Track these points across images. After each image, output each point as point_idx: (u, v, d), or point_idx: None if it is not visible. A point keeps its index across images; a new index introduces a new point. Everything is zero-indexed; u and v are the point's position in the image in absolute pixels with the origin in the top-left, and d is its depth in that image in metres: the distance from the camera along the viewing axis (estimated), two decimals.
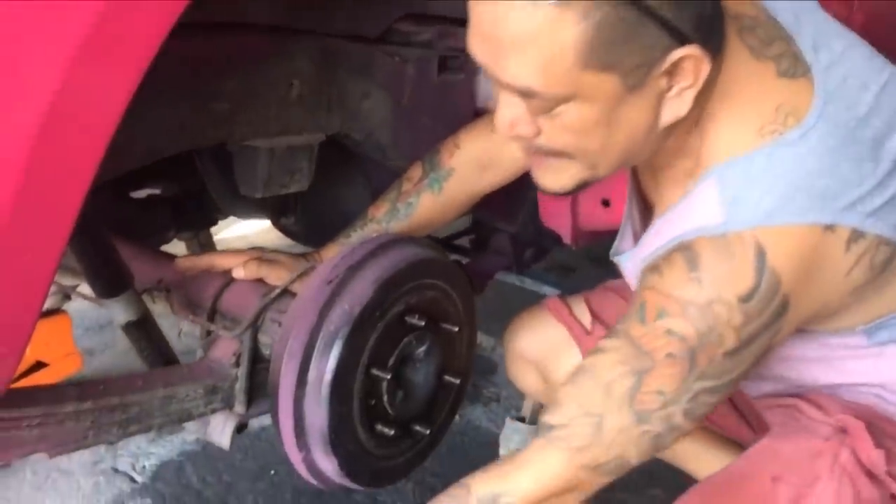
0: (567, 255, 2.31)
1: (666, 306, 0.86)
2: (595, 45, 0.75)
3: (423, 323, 1.09)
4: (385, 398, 1.08)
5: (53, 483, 1.74)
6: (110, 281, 1.20)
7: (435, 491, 1.07)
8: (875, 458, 0.95)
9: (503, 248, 1.73)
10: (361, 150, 1.38)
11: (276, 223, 1.83)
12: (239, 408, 1.19)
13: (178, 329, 1.34)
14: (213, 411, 1.19)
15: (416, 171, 1.25)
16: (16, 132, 0.65)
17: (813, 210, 0.82)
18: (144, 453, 1.84)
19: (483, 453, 1.82)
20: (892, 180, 0.86)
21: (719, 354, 0.86)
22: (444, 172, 1.23)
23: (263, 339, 1.18)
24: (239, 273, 1.20)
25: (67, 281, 1.38)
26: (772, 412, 1.12)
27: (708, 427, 1.36)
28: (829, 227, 0.83)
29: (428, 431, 1.15)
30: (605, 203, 1.49)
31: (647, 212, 1.05)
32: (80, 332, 2.00)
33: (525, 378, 1.47)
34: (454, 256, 1.64)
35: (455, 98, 1.46)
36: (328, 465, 1.06)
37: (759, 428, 1.21)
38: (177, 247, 1.95)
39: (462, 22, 1.42)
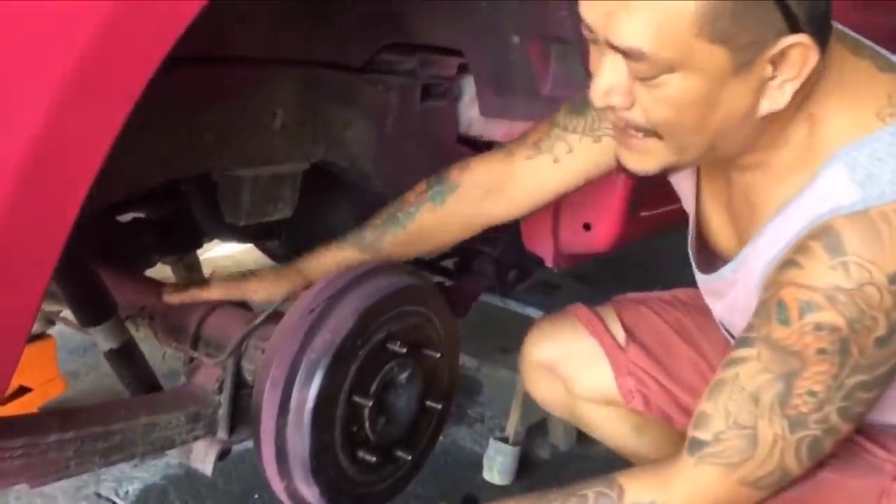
0: (551, 273, 2.33)
1: (811, 299, 0.83)
2: (713, 14, 0.75)
3: (404, 349, 1.10)
4: (367, 425, 1.09)
5: None
6: (93, 309, 1.21)
7: None
8: None
9: (486, 270, 1.74)
10: (346, 178, 1.40)
11: (260, 247, 1.84)
12: (222, 434, 1.19)
13: (161, 353, 1.35)
14: (196, 438, 1.19)
15: (422, 185, 1.25)
16: (3, 166, 0.66)
17: None
18: (128, 478, 1.83)
19: (467, 474, 1.82)
20: None
21: (871, 343, 0.83)
22: (448, 186, 1.23)
23: (246, 365, 1.19)
24: (211, 294, 1.22)
25: (51, 306, 1.38)
26: None
27: None
28: None
29: (410, 457, 1.16)
30: (587, 227, 1.51)
31: (738, 223, 1.02)
32: (64, 354, 1.99)
33: (544, 388, 1.39)
34: (438, 279, 1.66)
35: (438, 125, 1.47)
36: (310, 493, 1.07)
37: None
38: (162, 269, 1.96)
39: (443, 50, 1.46)
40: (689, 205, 1.13)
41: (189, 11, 0.70)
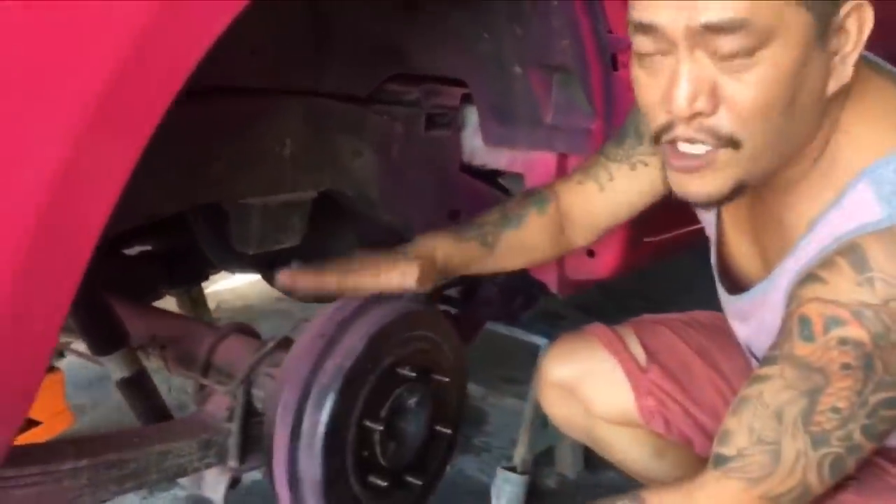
0: (555, 303, 2.34)
1: (836, 314, 0.84)
2: None
3: (414, 374, 1.11)
4: (378, 449, 1.10)
5: None
6: (106, 338, 1.22)
7: None
8: None
9: (492, 298, 1.76)
10: (353, 206, 1.42)
11: (266, 277, 1.86)
12: (232, 462, 1.20)
13: (167, 385, 1.35)
14: (208, 466, 1.20)
15: (517, 198, 1.25)
16: (24, 201, 0.68)
17: None
18: None
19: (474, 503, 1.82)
20: None
21: (895, 359, 0.83)
22: (546, 196, 1.23)
23: (257, 393, 1.20)
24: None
25: (61, 338, 1.40)
26: None
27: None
28: None
29: (421, 482, 1.16)
30: (591, 254, 1.52)
31: (764, 245, 1.02)
32: (71, 388, 1.99)
33: (562, 409, 1.36)
34: (443, 307, 1.67)
35: (442, 154, 1.50)
36: None
37: None
38: (167, 302, 1.97)
39: (447, 81, 1.49)
40: (710, 232, 1.14)
41: (207, 41, 0.72)
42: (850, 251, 0.85)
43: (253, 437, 1.20)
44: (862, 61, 0.87)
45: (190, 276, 1.87)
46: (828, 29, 0.81)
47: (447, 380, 1.17)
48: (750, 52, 0.79)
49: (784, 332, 0.89)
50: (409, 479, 1.16)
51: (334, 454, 1.05)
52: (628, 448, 1.30)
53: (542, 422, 1.83)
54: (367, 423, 1.07)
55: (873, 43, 0.89)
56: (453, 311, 1.73)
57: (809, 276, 0.88)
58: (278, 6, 0.93)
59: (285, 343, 1.20)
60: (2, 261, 0.66)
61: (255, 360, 1.18)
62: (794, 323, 0.87)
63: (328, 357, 1.05)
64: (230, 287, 3.03)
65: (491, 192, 1.62)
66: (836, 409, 0.85)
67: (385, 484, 1.10)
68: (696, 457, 1.26)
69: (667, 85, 0.83)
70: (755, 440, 0.89)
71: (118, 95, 0.70)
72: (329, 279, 1.09)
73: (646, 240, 1.55)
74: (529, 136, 1.46)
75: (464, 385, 1.25)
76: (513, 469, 1.77)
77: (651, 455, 1.29)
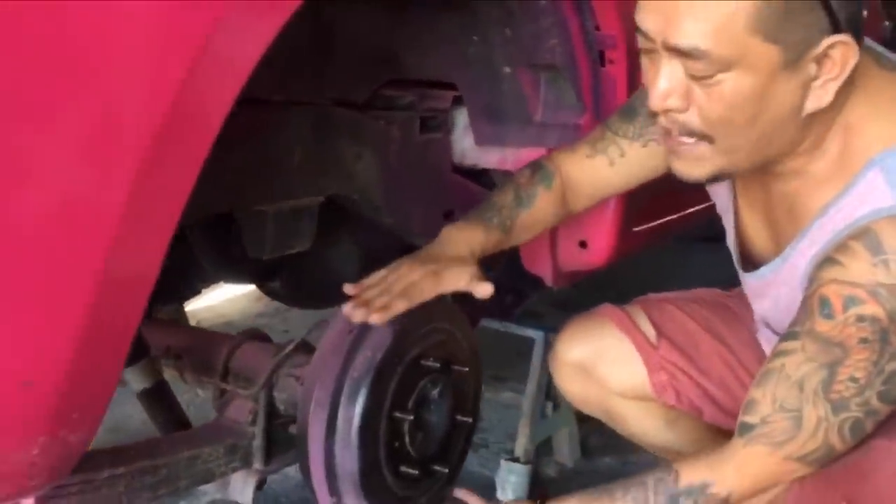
0: (534, 303, 2.39)
1: (854, 294, 0.91)
2: (766, 14, 0.83)
3: (437, 365, 1.14)
4: (407, 440, 1.13)
5: None
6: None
7: None
8: None
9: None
10: (356, 210, 1.45)
11: (261, 286, 1.87)
12: (258, 464, 1.22)
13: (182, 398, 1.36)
14: (234, 470, 1.22)
15: (524, 171, 1.28)
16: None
17: None
18: None
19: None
20: None
21: None
22: (550, 171, 1.26)
23: (278, 395, 1.22)
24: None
25: None
26: None
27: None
28: None
29: (447, 470, 1.20)
30: (583, 244, 1.58)
31: (776, 228, 1.08)
32: None
33: (577, 387, 1.40)
34: None
35: (435, 156, 1.54)
36: None
37: None
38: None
39: (438, 84, 1.53)
40: (727, 212, 1.20)
41: (257, 54, 0.75)
42: (865, 235, 0.91)
43: (277, 439, 1.23)
44: (867, 54, 0.94)
45: (182, 292, 1.87)
46: (801, 58, 0.87)
47: (466, 369, 1.21)
48: (711, 75, 0.88)
49: (805, 311, 0.95)
50: (436, 467, 1.19)
51: (369, 446, 1.08)
52: (642, 420, 1.36)
53: (540, 413, 1.88)
54: (398, 415, 1.11)
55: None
56: None
57: (827, 260, 0.95)
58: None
59: (304, 346, 1.23)
60: (90, 264, 0.68)
61: (276, 362, 1.20)
62: (815, 303, 0.94)
63: (358, 351, 1.08)
64: (207, 305, 3.02)
65: (482, 192, 1.66)
66: (854, 379, 0.92)
67: (415, 473, 1.14)
68: (705, 425, 1.33)
69: (654, 77, 0.92)
70: (778, 408, 0.96)
71: (177, 120, 0.72)
72: (398, 305, 1.06)
73: (635, 229, 1.61)
74: (520, 134, 1.51)
75: (479, 375, 1.29)
76: (516, 460, 1.81)
77: (663, 426, 1.35)
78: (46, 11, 0.62)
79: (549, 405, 1.91)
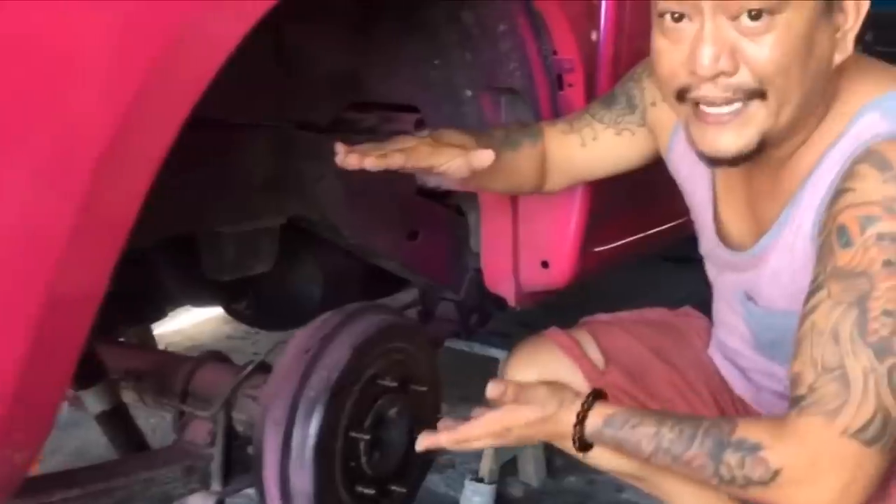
0: (500, 322, 2.41)
1: (869, 212, 0.88)
2: None
3: (395, 384, 1.15)
4: (364, 459, 1.14)
5: None
6: (84, 372, 1.23)
7: None
8: None
9: (450, 315, 1.81)
10: (316, 230, 1.46)
11: (227, 309, 1.87)
12: (216, 486, 1.22)
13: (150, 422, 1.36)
14: (192, 491, 1.22)
15: (516, 124, 1.29)
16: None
17: None
18: None
19: None
20: None
21: None
22: (539, 132, 1.28)
23: (238, 416, 1.23)
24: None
25: None
26: None
27: None
28: None
29: (405, 490, 1.20)
30: (545, 264, 1.60)
31: (761, 205, 1.09)
32: None
33: None
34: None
35: (399, 178, 1.55)
36: None
37: None
38: None
39: (401, 107, 1.55)
40: (705, 204, 1.20)
41: (208, 76, 0.77)
42: (869, 156, 0.92)
43: (235, 460, 1.23)
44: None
45: (148, 314, 1.87)
46: (832, 3, 0.91)
47: (424, 389, 1.22)
48: (764, 19, 0.89)
49: (824, 253, 0.92)
50: (393, 487, 1.19)
51: (324, 466, 1.08)
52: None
53: None
54: (354, 434, 1.11)
55: None
56: None
57: (836, 192, 0.93)
58: (246, 39, 0.97)
59: (263, 367, 1.24)
60: (35, 284, 0.68)
61: (236, 383, 1.21)
62: (833, 236, 0.91)
63: (314, 371, 1.09)
64: (176, 329, 3.01)
65: (446, 213, 1.68)
66: (888, 313, 0.87)
67: (372, 492, 1.14)
68: None
69: (691, 48, 0.93)
70: (820, 370, 0.88)
71: (126, 139, 0.73)
72: (395, 157, 1.05)
73: (596, 250, 1.63)
74: None
75: (439, 395, 1.30)
76: (480, 480, 1.82)
77: (612, 452, 1.34)
78: None
79: None
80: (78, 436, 2.15)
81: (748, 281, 1.15)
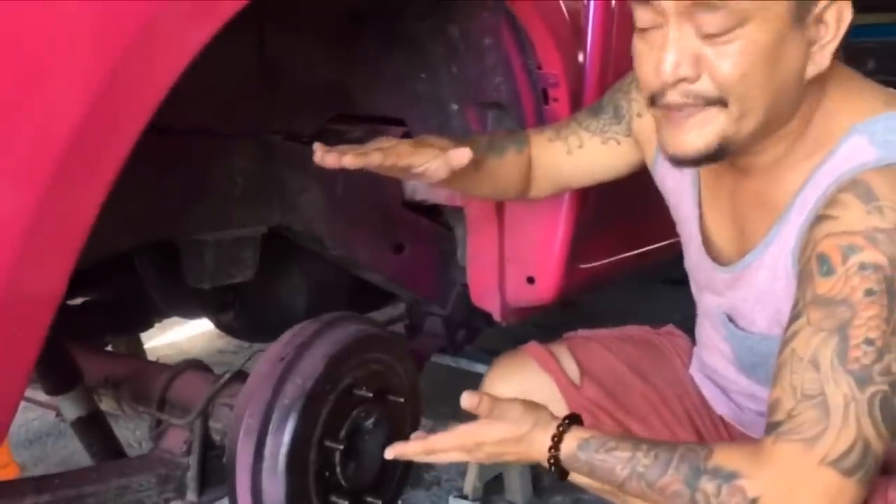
0: (490, 339, 2.40)
1: (851, 242, 0.87)
2: None
3: (371, 395, 1.15)
4: (338, 469, 1.13)
5: None
6: (60, 377, 1.22)
7: None
8: None
9: (437, 330, 1.80)
10: (300, 241, 1.46)
11: (214, 320, 1.87)
12: (191, 496, 1.21)
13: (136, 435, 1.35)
14: (167, 501, 1.21)
15: (501, 131, 1.30)
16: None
17: None
18: None
19: None
20: None
21: None
22: (525, 139, 1.28)
23: (214, 425, 1.22)
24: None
25: None
26: None
27: None
28: None
29: (380, 502, 1.19)
30: (531, 280, 1.59)
31: (749, 218, 1.08)
32: (12, 447, 1.95)
33: None
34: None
35: (384, 190, 1.56)
36: None
37: None
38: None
39: (387, 120, 1.56)
40: (691, 220, 1.19)
41: (169, 80, 0.77)
42: (854, 186, 0.90)
43: (211, 469, 1.22)
44: (838, 55, 0.96)
45: (135, 324, 1.86)
46: (807, 16, 0.90)
47: (402, 400, 1.21)
48: (730, 30, 0.89)
49: (804, 280, 0.91)
50: (369, 499, 1.18)
51: (297, 474, 1.08)
52: None
53: None
54: (328, 444, 1.11)
55: None
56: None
57: (818, 219, 0.92)
58: (228, 49, 0.98)
59: (240, 375, 1.23)
60: None
61: (213, 391, 1.20)
62: (813, 263, 0.90)
63: (288, 379, 1.08)
64: (169, 342, 3.01)
65: (432, 227, 1.68)
66: (869, 341, 0.85)
67: (346, 503, 1.13)
68: None
69: (656, 54, 0.93)
70: (800, 397, 0.87)
71: (88, 134, 0.73)
72: (374, 156, 1.06)
73: (582, 266, 1.63)
74: None
75: (418, 407, 1.29)
76: (464, 498, 1.80)
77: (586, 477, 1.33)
78: None
79: None
80: (63, 446, 2.14)
81: (727, 302, 1.15)
